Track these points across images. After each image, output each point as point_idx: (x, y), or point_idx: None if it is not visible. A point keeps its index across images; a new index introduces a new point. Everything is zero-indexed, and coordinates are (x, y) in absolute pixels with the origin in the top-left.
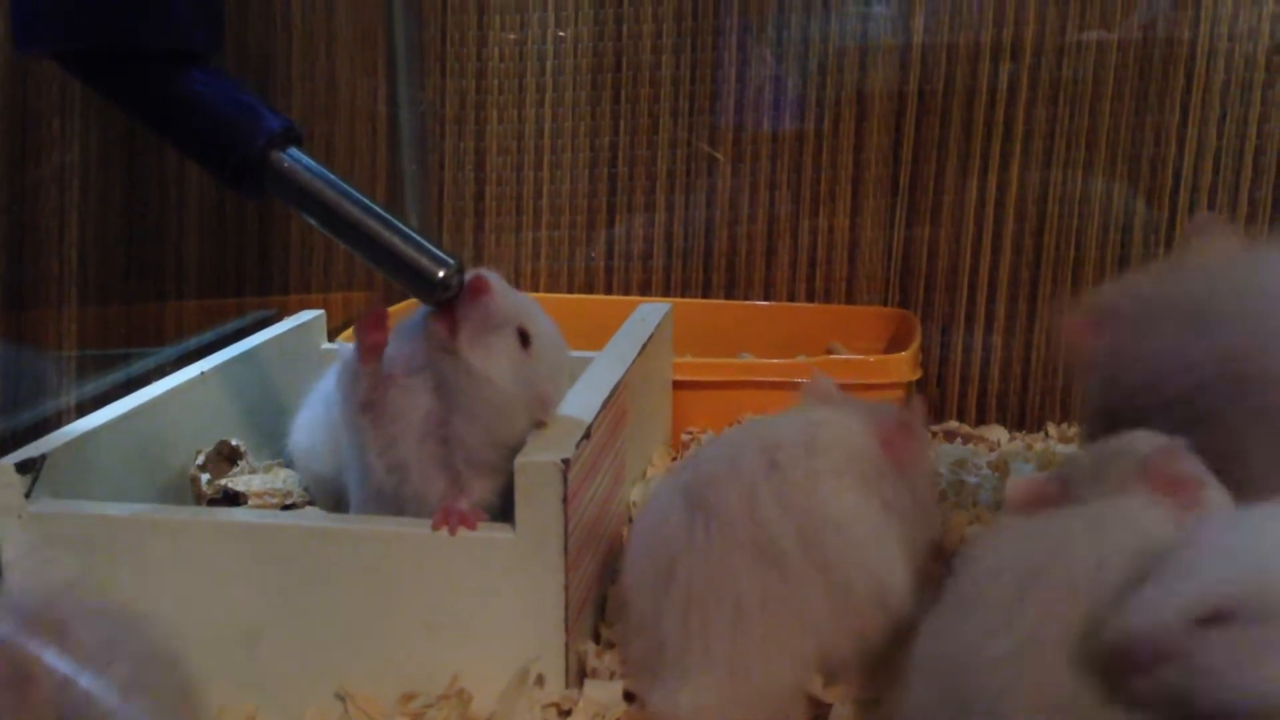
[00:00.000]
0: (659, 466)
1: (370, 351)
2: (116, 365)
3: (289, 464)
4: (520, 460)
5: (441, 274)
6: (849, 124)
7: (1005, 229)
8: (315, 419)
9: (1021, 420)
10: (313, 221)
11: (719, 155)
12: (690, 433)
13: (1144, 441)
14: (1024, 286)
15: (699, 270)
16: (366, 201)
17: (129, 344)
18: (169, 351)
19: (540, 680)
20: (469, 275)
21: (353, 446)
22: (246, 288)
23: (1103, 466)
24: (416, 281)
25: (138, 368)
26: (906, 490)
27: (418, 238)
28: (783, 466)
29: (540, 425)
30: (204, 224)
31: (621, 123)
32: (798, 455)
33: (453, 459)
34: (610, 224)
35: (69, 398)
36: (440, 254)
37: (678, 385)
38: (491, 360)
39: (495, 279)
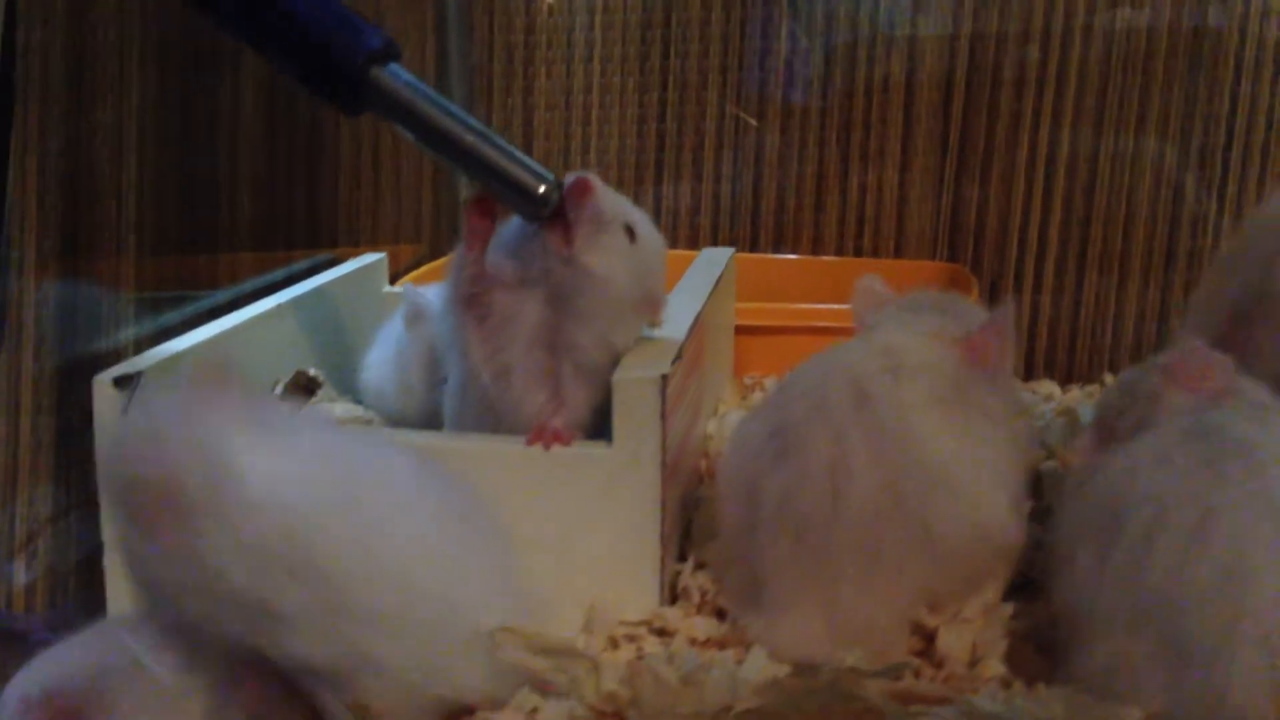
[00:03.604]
0: (730, 403)
1: (474, 237)
2: (169, 310)
3: (359, 403)
4: (618, 377)
5: (542, 189)
6: (899, 80)
7: (1056, 186)
8: (385, 358)
9: (1069, 377)
10: (412, 137)
11: (752, 120)
12: (753, 378)
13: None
14: (1074, 244)
15: (747, 226)
16: (466, 117)
17: (182, 288)
18: (220, 296)
19: (635, 598)
20: (569, 179)
21: (454, 346)
22: (297, 240)
23: (1129, 394)
24: (517, 196)
25: (190, 312)
26: (998, 398)
27: (517, 153)
28: (872, 399)
29: (652, 325)
30: (256, 175)
31: (670, 78)
32: (886, 385)
33: (559, 368)
34: (658, 180)
35: (127, 333)
36: (539, 169)
37: (738, 331)
38: (607, 260)
39: (595, 178)
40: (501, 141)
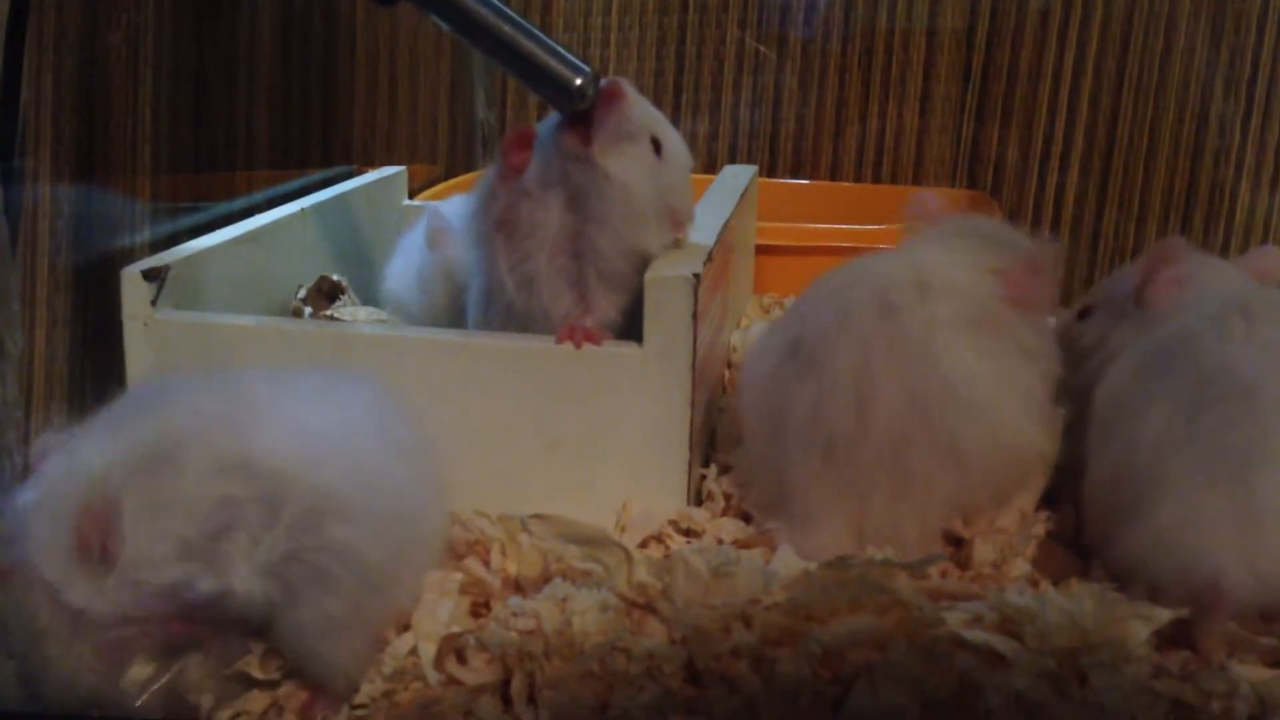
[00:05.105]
0: (753, 317)
1: (512, 171)
2: (184, 222)
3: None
4: (650, 275)
5: (578, 81)
6: (923, 8)
7: (1079, 117)
8: (407, 269)
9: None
10: (447, 27)
11: (766, 50)
12: (771, 297)
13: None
14: (1094, 175)
15: (765, 151)
16: (503, 7)
17: (197, 203)
18: (236, 206)
19: (662, 499)
20: (603, 82)
21: (481, 263)
22: (311, 158)
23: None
24: (553, 88)
25: (204, 222)
26: (1032, 331)
27: (554, 45)
28: (897, 311)
29: (676, 244)
30: (272, 95)
31: (691, 1)
32: (912, 299)
33: (584, 274)
34: (676, 104)
35: (140, 244)
36: (576, 61)
37: (757, 251)
38: (626, 166)
39: (629, 86)
40: (539, 33)
